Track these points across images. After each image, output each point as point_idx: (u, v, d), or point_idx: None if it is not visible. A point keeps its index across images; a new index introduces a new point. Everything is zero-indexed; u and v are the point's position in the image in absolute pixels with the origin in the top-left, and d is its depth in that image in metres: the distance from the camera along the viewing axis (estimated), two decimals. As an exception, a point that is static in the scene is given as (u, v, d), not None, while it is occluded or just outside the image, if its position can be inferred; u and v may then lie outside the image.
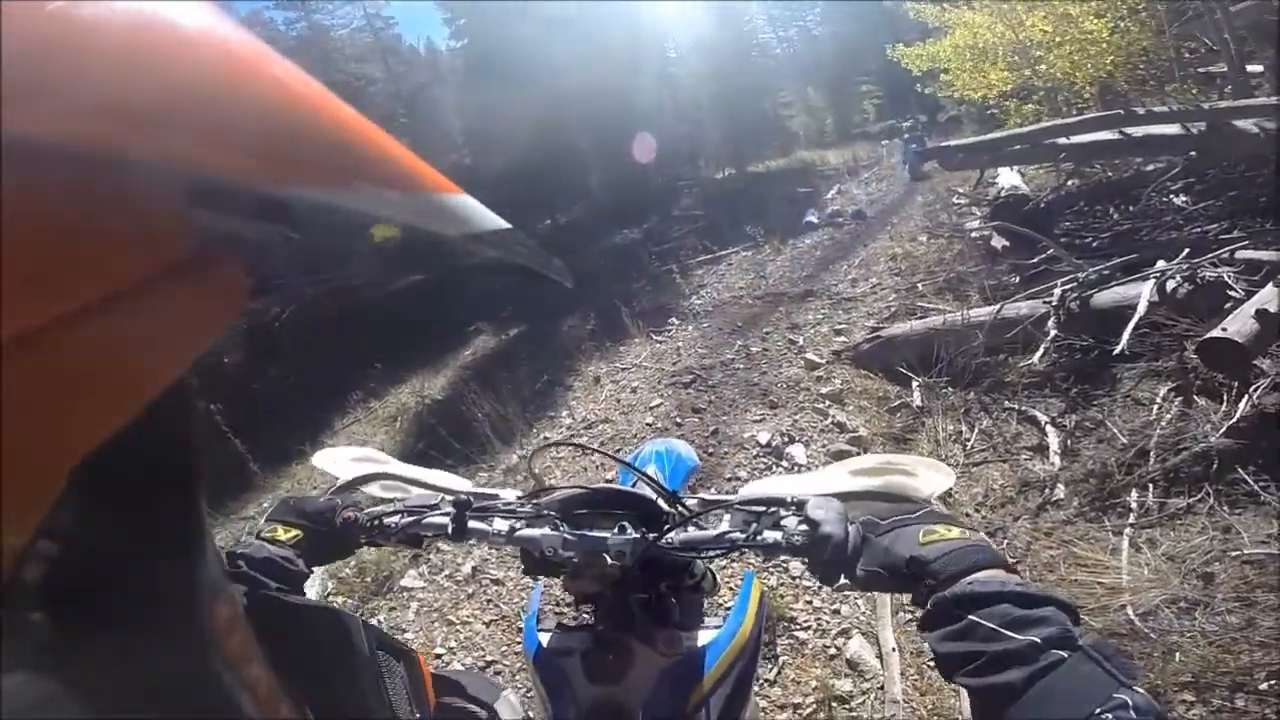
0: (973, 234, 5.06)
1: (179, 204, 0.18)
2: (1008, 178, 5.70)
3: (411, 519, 0.80)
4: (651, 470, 1.12)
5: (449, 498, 0.82)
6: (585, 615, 0.87)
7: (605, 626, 0.77)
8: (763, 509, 0.68)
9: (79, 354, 0.17)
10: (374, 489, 0.94)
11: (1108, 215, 4.42)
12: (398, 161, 0.21)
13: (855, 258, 6.16)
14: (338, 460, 0.99)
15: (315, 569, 0.82)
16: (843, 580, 0.59)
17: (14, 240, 0.14)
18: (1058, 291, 3.19)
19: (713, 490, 3.27)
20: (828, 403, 3.47)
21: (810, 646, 2.13)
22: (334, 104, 0.19)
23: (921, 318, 4.19)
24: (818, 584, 2.33)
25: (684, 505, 0.75)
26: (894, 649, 2.03)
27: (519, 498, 0.83)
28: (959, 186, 7.94)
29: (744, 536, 0.66)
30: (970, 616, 0.47)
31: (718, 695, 0.75)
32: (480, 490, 0.88)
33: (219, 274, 0.21)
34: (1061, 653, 0.43)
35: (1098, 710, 0.40)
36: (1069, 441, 2.83)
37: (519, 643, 2.30)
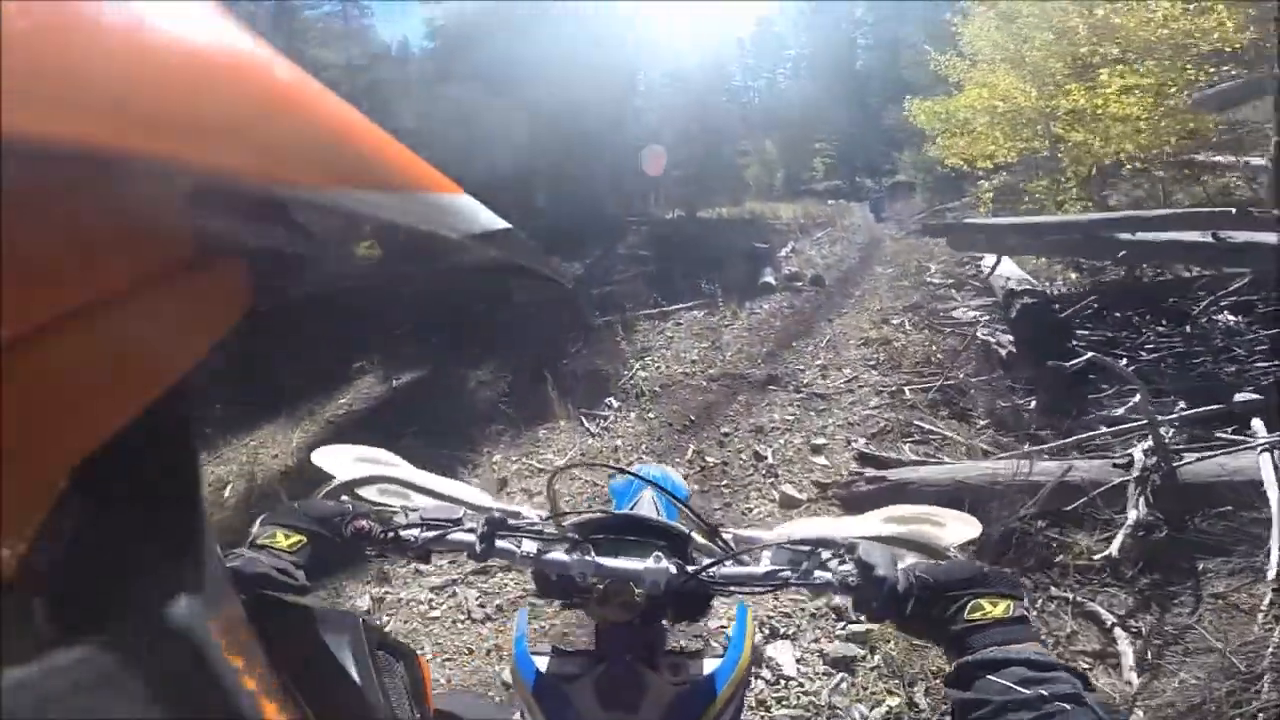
0: (979, 333, 4.27)
1: (179, 205, 0.18)
2: (1005, 265, 5.00)
3: (434, 533, 0.71)
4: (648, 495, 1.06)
5: (470, 512, 0.76)
6: (574, 641, 0.87)
7: (611, 652, 0.72)
8: (810, 549, 0.67)
9: (79, 354, 0.17)
10: (371, 493, 0.84)
11: (1133, 327, 3.72)
12: (397, 162, 0.20)
13: (821, 336, 5.36)
14: (339, 459, 0.88)
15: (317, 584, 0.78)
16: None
17: (14, 240, 0.14)
18: (1137, 456, 2.34)
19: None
20: (816, 572, 2.48)
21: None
22: (335, 105, 0.18)
23: (921, 443, 3.33)
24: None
25: (723, 540, 0.73)
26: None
27: (542, 518, 0.78)
28: (929, 263, 7.44)
29: (794, 575, 0.65)
30: (989, 676, 0.50)
31: None
32: (504, 506, 0.81)
33: (219, 275, 0.20)
34: (1066, 705, 0.45)
35: None
36: (1148, 652, 2.08)
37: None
